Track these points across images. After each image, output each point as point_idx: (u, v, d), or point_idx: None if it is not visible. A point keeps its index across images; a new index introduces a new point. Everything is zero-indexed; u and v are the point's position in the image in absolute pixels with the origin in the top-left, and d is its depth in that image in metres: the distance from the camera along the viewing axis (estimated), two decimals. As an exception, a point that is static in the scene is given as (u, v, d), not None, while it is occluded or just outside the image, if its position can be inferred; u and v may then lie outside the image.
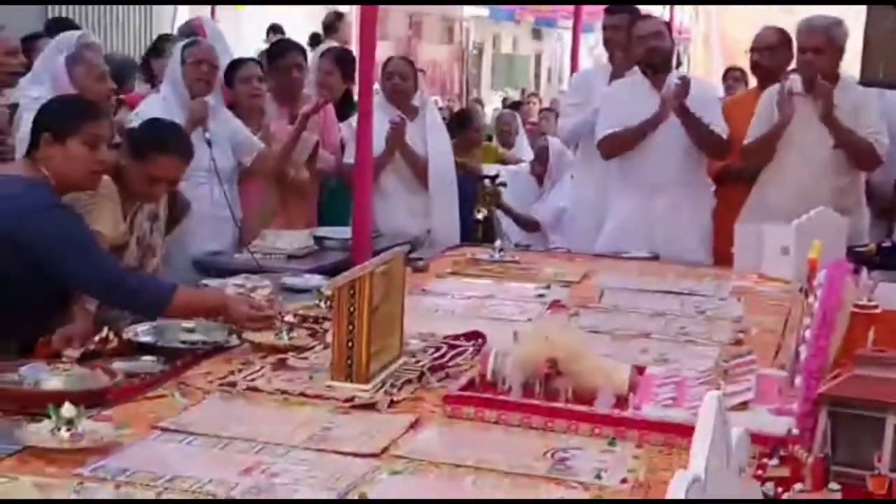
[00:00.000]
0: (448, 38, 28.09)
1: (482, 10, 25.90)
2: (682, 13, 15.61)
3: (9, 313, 3.15)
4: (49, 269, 3.14)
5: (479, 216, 6.52)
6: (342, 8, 10.27)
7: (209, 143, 4.88)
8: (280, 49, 5.78)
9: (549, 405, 2.61)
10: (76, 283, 3.23)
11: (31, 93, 4.55)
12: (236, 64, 5.56)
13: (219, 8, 9.65)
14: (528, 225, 6.62)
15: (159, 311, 3.25)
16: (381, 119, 5.32)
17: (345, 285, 2.78)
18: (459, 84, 25.78)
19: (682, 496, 1.31)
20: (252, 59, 5.72)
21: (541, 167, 6.81)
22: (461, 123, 7.71)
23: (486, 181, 6.55)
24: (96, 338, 3.15)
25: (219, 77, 5.24)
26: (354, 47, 11.95)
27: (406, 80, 5.70)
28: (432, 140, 5.72)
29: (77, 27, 6.41)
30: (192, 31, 6.07)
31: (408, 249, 4.86)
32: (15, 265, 3.14)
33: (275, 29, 11.32)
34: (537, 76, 30.08)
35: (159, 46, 6.29)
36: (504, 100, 15.53)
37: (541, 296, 4.00)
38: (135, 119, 4.83)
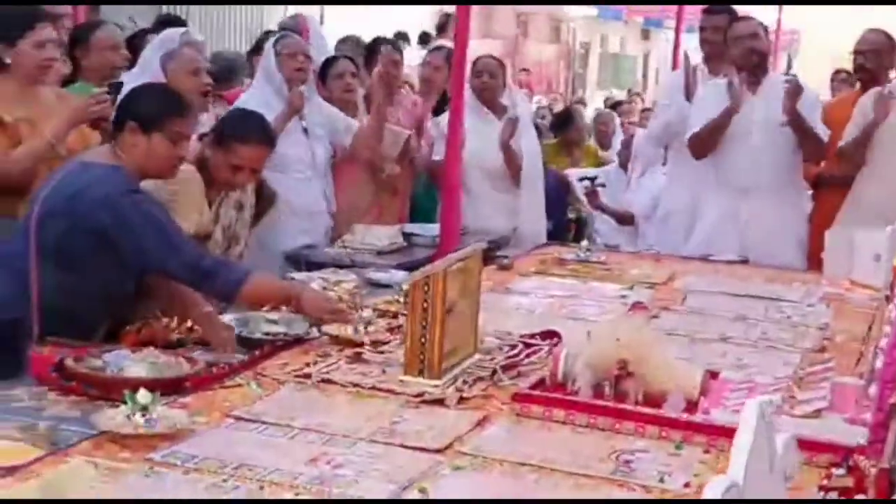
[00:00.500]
0: (555, 38, 28.00)
1: (590, 10, 25.73)
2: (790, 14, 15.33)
3: (88, 300, 3.23)
4: (127, 253, 3.20)
5: (572, 216, 6.54)
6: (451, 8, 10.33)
7: (306, 132, 4.96)
8: (378, 44, 5.83)
9: (617, 406, 2.61)
10: (154, 265, 3.25)
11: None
12: (330, 61, 5.65)
13: (327, 8, 9.76)
14: (624, 219, 6.57)
15: (232, 296, 3.28)
16: (470, 117, 5.35)
17: (419, 281, 2.82)
18: (565, 83, 25.68)
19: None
20: (345, 57, 5.77)
21: (626, 154, 6.75)
22: (562, 123, 7.69)
23: (586, 182, 6.55)
24: (182, 326, 3.24)
25: (313, 73, 5.32)
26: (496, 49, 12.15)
27: (495, 77, 5.72)
28: (522, 138, 5.72)
29: (184, 24, 6.56)
30: (295, 26, 6.16)
31: (488, 247, 4.94)
32: (94, 251, 3.21)
33: (400, 36, 11.31)
34: (644, 76, 29.79)
35: (259, 44, 6.41)
36: (606, 99, 15.43)
37: (623, 297, 4.00)
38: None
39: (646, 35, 30.99)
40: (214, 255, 3.36)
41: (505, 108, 5.78)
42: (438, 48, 6.55)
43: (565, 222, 6.82)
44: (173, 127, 3.28)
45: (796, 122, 5.11)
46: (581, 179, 6.79)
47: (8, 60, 3.85)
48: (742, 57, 5.24)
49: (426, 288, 2.81)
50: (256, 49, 6.49)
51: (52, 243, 3.20)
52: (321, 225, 5.06)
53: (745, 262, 4.98)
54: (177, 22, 6.64)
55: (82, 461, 1.58)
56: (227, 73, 6.23)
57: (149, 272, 3.29)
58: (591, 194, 6.48)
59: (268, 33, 6.23)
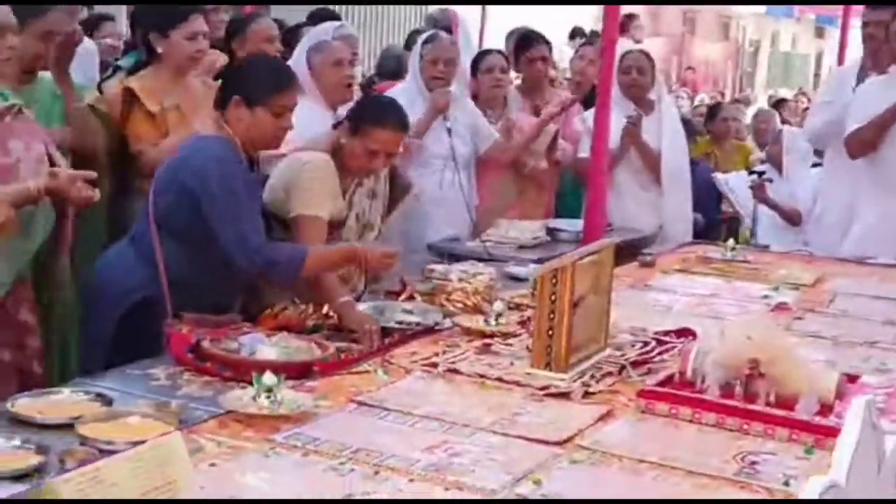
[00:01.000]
0: (723, 36, 27.50)
1: (759, 7, 25.18)
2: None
3: (213, 270, 3.26)
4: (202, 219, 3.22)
5: (721, 215, 6.40)
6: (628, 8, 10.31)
7: (449, 131, 4.99)
8: (527, 41, 5.82)
9: (745, 407, 2.54)
10: (212, 234, 3.22)
11: None
12: (481, 55, 5.66)
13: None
14: (792, 217, 6.37)
15: (295, 276, 3.27)
16: (617, 113, 5.31)
17: (547, 274, 2.80)
18: (732, 82, 25.18)
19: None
20: (497, 51, 5.78)
21: (775, 150, 6.55)
22: (710, 114, 7.56)
23: (754, 176, 6.39)
24: (318, 313, 3.29)
25: (463, 68, 5.33)
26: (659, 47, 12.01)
27: (643, 74, 5.64)
28: (667, 135, 5.64)
29: (337, 18, 6.67)
30: (443, 20, 6.19)
31: (633, 244, 4.87)
32: (201, 219, 3.23)
33: (577, 33, 11.24)
34: (817, 75, 28.96)
35: (410, 40, 6.47)
36: (770, 97, 15.04)
37: (766, 297, 3.89)
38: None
39: (819, 33, 30.16)
40: (274, 243, 3.30)
41: (653, 104, 5.69)
42: (590, 41, 6.50)
43: (717, 221, 6.68)
44: (277, 101, 3.31)
45: None
46: (751, 173, 6.61)
47: (160, 50, 3.98)
48: (905, 52, 5.04)
49: (554, 280, 2.79)
50: (407, 46, 6.56)
51: (165, 216, 3.25)
52: (463, 218, 5.06)
53: (902, 265, 4.79)
54: (330, 16, 6.75)
55: (179, 437, 1.61)
56: (394, 68, 6.32)
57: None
58: (759, 188, 6.29)
59: (417, 31, 6.24)
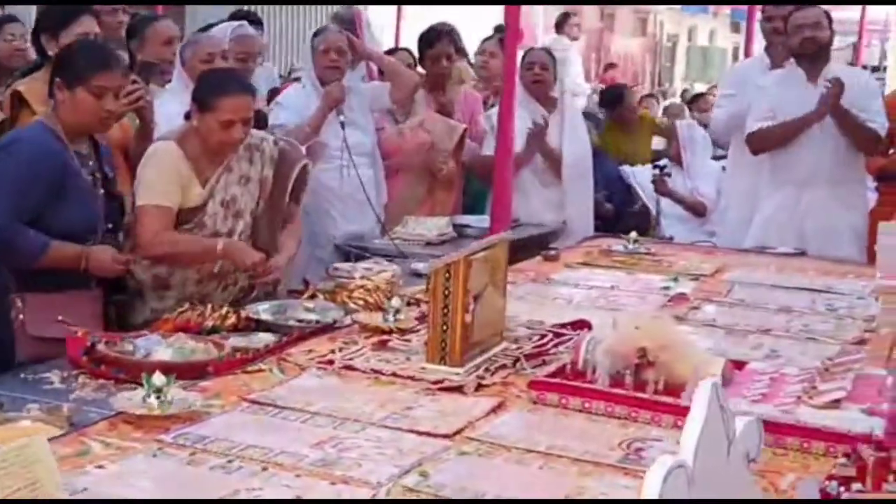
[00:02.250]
0: (641, 31, 27.75)
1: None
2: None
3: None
4: None
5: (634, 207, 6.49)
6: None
7: (342, 125, 5.02)
8: (430, 38, 5.85)
9: (633, 395, 2.59)
10: None
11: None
12: (390, 52, 5.70)
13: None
14: (696, 209, 6.48)
15: (31, 263, 3.30)
16: (521, 110, 5.37)
17: (440, 269, 2.82)
18: (651, 77, 25.44)
19: (658, 483, 1.30)
20: (404, 49, 5.82)
21: (675, 145, 6.65)
22: (613, 101, 7.61)
23: (655, 171, 6.49)
24: (216, 314, 3.29)
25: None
26: (578, 44, 12.13)
27: (546, 70, 5.70)
28: (569, 132, 5.72)
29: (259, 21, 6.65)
30: (347, 16, 6.20)
31: (538, 239, 4.93)
32: None
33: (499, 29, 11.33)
34: (735, 69, 29.24)
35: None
36: (684, 92, 15.24)
37: (666, 288, 3.96)
38: (276, 107, 5.00)
39: (735, 27, 30.55)
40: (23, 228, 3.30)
41: (556, 101, 5.75)
42: (490, 36, 6.56)
43: (629, 212, 6.77)
44: (95, 81, 3.35)
45: (841, 118, 5.02)
46: (654, 167, 6.71)
47: (50, 52, 3.94)
48: (801, 46, 5.15)
49: (447, 275, 2.82)
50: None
51: None
52: (366, 213, 5.08)
53: (802, 254, 4.90)
54: (249, 18, 6.71)
55: (42, 439, 1.61)
56: None
57: None
58: (659, 182, 6.39)
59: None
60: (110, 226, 3.53)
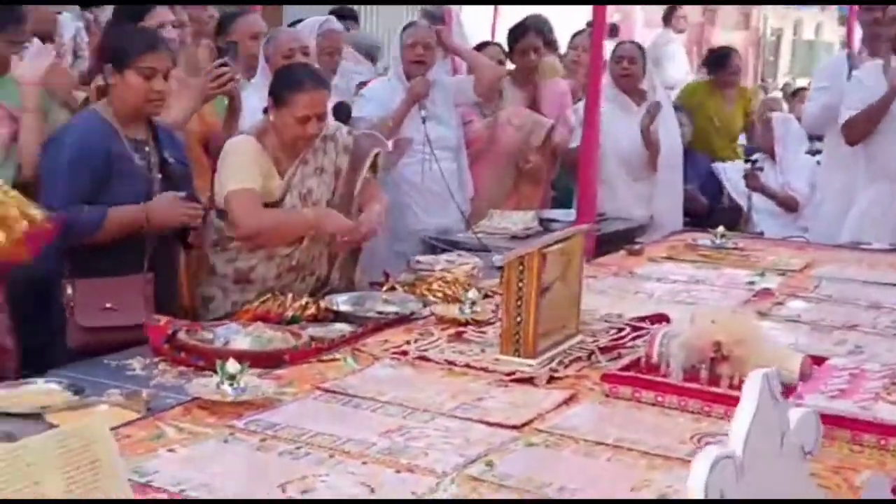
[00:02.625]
0: (744, 25, 27.32)
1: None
2: None
3: None
4: None
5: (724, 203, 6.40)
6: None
7: (424, 120, 5.03)
8: (518, 32, 5.84)
9: (706, 389, 2.56)
10: None
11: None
12: (479, 47, 5.69)
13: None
14: (788, 204, 6.35)
15: (96, 231, 3.39)
16: (609, 104, 5.33)
17: (514, 262, 2.82)
18: (754, 71, 25.03)
19: (705, 472, 1.28)
20: (495, 43, 5.80)
21: (767, 137, 6.50)
22: (718, 62, 7.46)
23: (747, 164, 6.39)
24: (296, 304, 3.34)
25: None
26: (683, 37, 12.03)
27: (635, 63, 5.66)
28: (661, 126, 5.66)
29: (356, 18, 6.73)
30: (437, 11, 6.22)
31: (624, 233, 4.89)
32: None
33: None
34: (843, 63, 28.56)
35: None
36: (785, 86, 14.95)
37: (751, 283, 3.89)
38: (361, 100, 5.03)
39: (843, 21, 29.91)
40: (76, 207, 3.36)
41: (645, 94, 5.71)
42: (583, 30, 6.51)
43: (721, 207, 6.67)
44: (142, 62, 3.42)
45: None
46: (746, 161, 6.61)
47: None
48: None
49: (521, 268, 2.81)
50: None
51: None
52: (451, 208, 5.08)
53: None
54: (345, 14, 6.78)
55: (102, 420, 1.65)
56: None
57: None
58: (751, 177, 6.28)
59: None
60: None
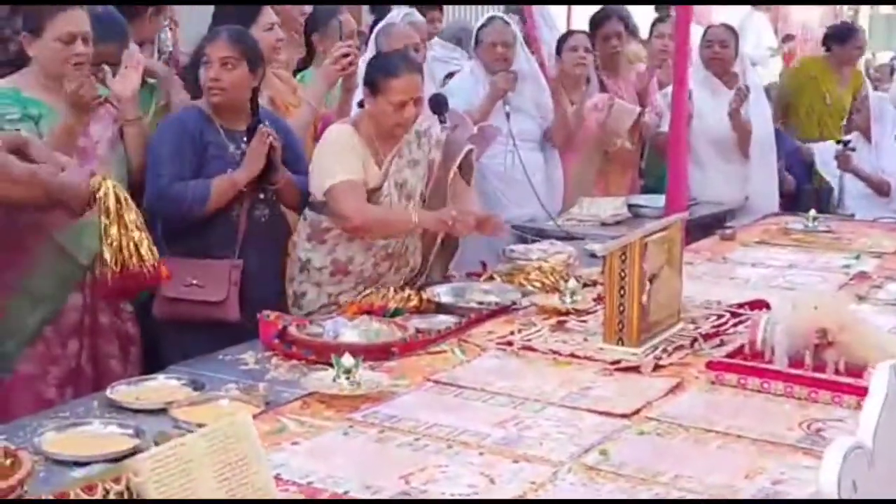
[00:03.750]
0: (820, -1, 26.94)
1: (857, -31, 24.57)
2: None
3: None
4: None
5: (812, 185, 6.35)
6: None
7: (508, 115, 5.06)
8: (600, 19, 5.84)
9: (812, 375, 2.59)
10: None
11: None
12: (567, 34, 5.71)
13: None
14: (881, 188, 6.27)
15: (201, 209, 3.59)
16: (700, 87, 5.34)
17: (616, 251, 2.87)
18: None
19: (838, 463, 1.33)
20: (583, 31, 5.79)
21: (862, 118, 6.41)
22: (840, 37, 7.31)
23: (839, 145, 6.32)
24: (399, 297, 3.41)
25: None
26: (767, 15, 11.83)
27: (726, 47, 5.65)
28: (753, 108, 5.64)
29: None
30: (517, 9, 6.25)
31: (715, 217, 4.90)
32: None
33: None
34: (919, 36, 28.05)
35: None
36: (867, 62, 14.66)
37: (846, 266, 3.90)
38: (449, 91, 5.07)
39: (923, -7, 29.35)
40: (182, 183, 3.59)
41: (736, 76, 5.70)
42: (663, 18, 6.49)
43: (809, 188, 6.62)
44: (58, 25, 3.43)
45: None
46: (838, 142, 6.54)
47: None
48: None
49: (623, 257, 2.86)
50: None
51: None
52: (531, 199, 5.11)
53: None
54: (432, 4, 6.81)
55: (248, 417, 1.73)
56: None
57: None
58: (843, 158, 6.22)
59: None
60: (261, 196, 3.71)
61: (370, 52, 4.67)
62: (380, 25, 4.87)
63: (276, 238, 3.76)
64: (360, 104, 3.78)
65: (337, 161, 3.61)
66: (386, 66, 3.69)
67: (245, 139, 3.66)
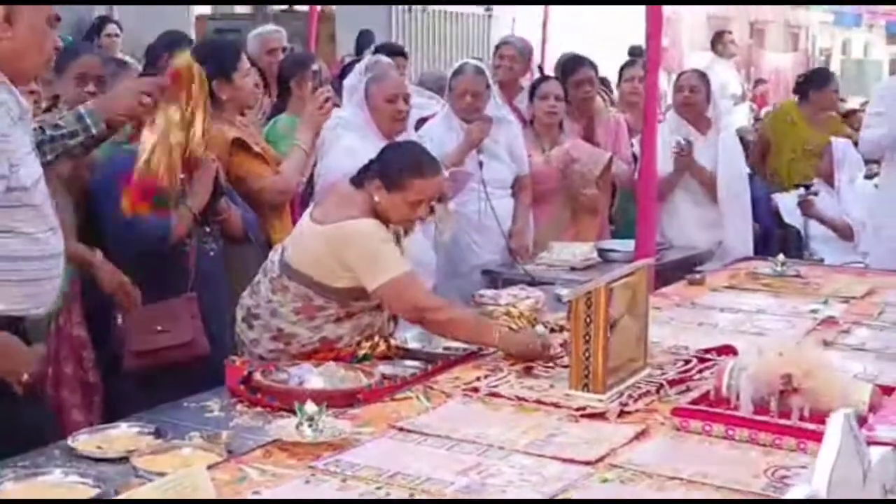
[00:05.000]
0: (792, 46, 27.23)
1: (825, 16, 24.93)
2: None
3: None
4: None
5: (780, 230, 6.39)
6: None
7: (480, 164, 5.09)
8: (571, 65, 5.88)
9: (777, 422, 2.58)
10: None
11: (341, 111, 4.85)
12: (539, 81, 5.73)
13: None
14: (844, 231, 6.32)
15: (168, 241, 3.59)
16: (672, 132, 5.38)
17: (581, 297, 2.87)
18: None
19: (792, 511, 1.32)
20: (555, 78, 5.83)
21: (827, 164, 6.47)
22: (818, 83, 7.28)
23: (801, 190, 6.38)
24: (367, 343, 3.40)
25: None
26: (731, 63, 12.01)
27: (697, 93, 5.69)
28: (725, 154, 5.69)
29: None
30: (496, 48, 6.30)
31: (686, 262, 4.91)
32: None
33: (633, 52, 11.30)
34: (893, 81, 28.31)
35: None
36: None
37: (814, 311, 3.91)
38: (422, 138, 5.09)
39: (893, 40, 29.69)
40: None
41: (709, 122, 5.74)
42: (633, 62, 6.55)
43: (775, 232, 6.66)
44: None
45: None
46: (797, 186, 6.60)
47: (224, 97, 4.10)
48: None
49: (588, 303, 2.86)
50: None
51: None
52: (500, 244, 5.12)
53: (960, 275, 4.76)
54: (393, 49, 6.87)
55: (202, 468, 1.71)
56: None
57: None
58: (805, 203, 6.28)
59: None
60: (207, 229, 3.76)
61: (357, 98, 4.69)
62: (370, 74, 4.87)
63: (225, 271, 3.83)
64: (356, 183, 3.51)
65: (386, 252, 3.39)
66: (411, 165, 3.47)
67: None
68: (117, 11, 9.62)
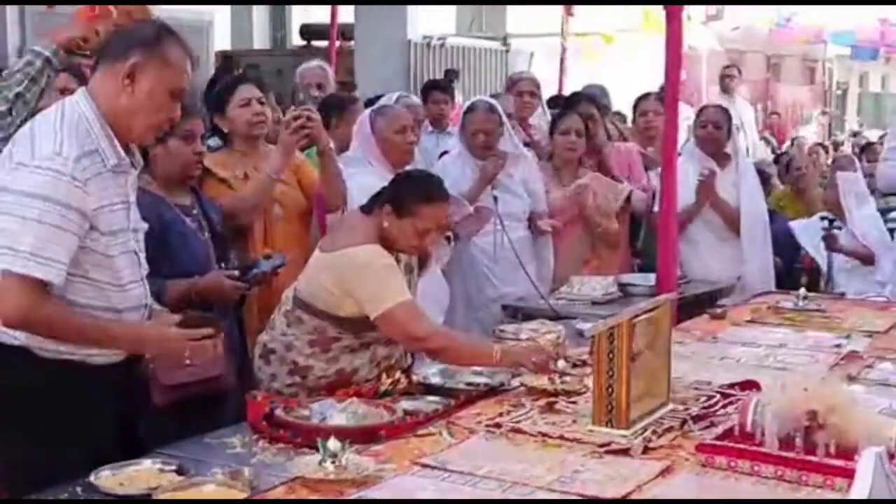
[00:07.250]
0: (809, 79, 27.25)
1: (845, 49, 24.93)
2: None
3: None
4: None
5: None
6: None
7: (496, 199, 5.09)
8: (571, 101, 5.90)
9: (803, 458, 2.56)
10: None
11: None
12: (560, 115, 5.73)
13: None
14: (867, 258, 6.28)
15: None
16: (693, 166, 5.39)
17: (604, 332, 2.86)
18: (820, 126, 24.88)
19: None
20: (575, 113, 5.81)
21: (833, 193, 6.47)
22: (787, 166, 7.43)
23: (823, 223, 6.35)
24: (388, 380, 3.40)
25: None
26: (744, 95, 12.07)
27: (719, 128, 5.69)
28: (746, 188, 5.69)
29: None
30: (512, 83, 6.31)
31: (707, 296, 4.89)
32: None
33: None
34: (912, 115, 28.39)
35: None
36: (856, 134, 14.80)
37: (838, 346, 3.88)
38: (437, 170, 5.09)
39: (910, 74, 29.73)
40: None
41: (729, 156, 5.74)
42: (647, 95, 6.57)
43: (797, 268, 6.64)
44: (185, 126, 3.58)
45: None
46: (822, 218, 6.57)
47: (225, 130, 4.16)
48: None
49: (611, 338, 2.85)
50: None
51: None
52: (520, 276, 5.07)
53: (983, 307, 4.73)
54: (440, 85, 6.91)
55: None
56: None
57: None
58: (830, 238, 6.25)
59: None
60: (222, 265, 3.74)
61: (363, 133, 4.71)
62: (376, 106, 4.91)
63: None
64: (366, 210, 3.58)
65: (388, 281, 3.42)
66: (421, 192, 3.52)
67: (195, 211, 3.73)
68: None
